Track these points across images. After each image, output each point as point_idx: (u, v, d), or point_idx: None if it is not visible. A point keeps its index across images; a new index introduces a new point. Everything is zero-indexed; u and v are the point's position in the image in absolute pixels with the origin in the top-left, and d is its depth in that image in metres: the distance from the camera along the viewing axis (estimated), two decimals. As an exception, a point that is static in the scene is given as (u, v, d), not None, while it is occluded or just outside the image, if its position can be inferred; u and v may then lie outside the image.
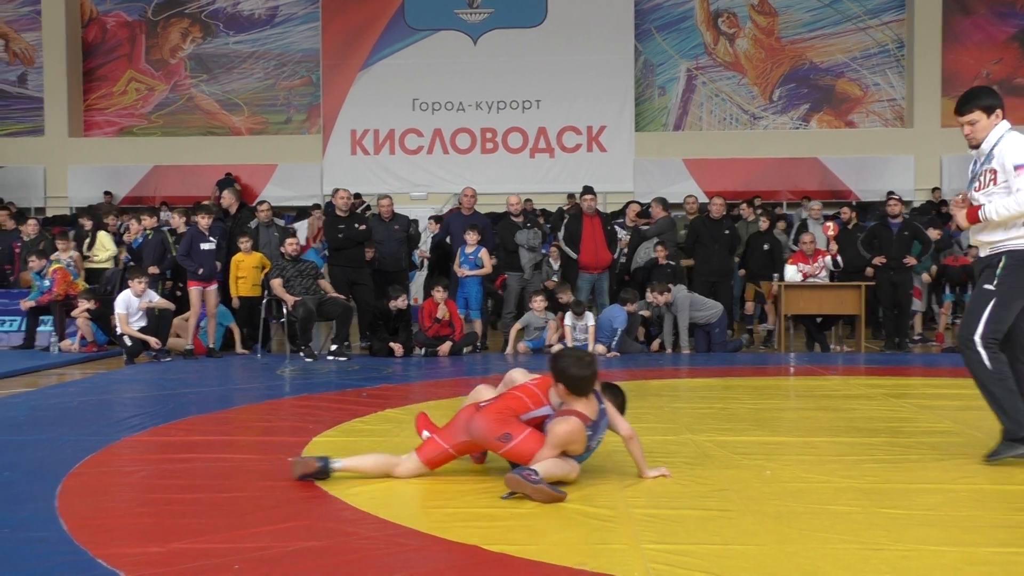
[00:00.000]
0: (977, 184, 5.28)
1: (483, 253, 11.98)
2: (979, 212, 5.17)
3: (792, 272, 11.93)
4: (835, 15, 21.77)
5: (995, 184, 5.16)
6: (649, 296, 11.67)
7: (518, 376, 5.13)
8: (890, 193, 17.57)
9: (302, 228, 14.14)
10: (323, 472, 4.78)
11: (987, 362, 5.14)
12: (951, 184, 20.61)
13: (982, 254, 5.33)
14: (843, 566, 3.55)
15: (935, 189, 19.99)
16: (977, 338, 5.15)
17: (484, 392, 5.19)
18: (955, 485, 4.76)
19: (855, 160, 21.21)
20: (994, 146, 5.18)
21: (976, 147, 5.28)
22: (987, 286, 5.20)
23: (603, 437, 4.86)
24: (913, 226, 12.31)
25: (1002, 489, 4.69)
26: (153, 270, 11.87)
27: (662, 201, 13.14)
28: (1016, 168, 5.04)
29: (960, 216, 5.32)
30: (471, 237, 11.97)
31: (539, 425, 4.77)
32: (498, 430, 4.70)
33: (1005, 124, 5.26)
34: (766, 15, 21.99)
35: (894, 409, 7.17)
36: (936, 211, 17.69)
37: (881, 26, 21.74)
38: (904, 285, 12.07)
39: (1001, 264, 5.16)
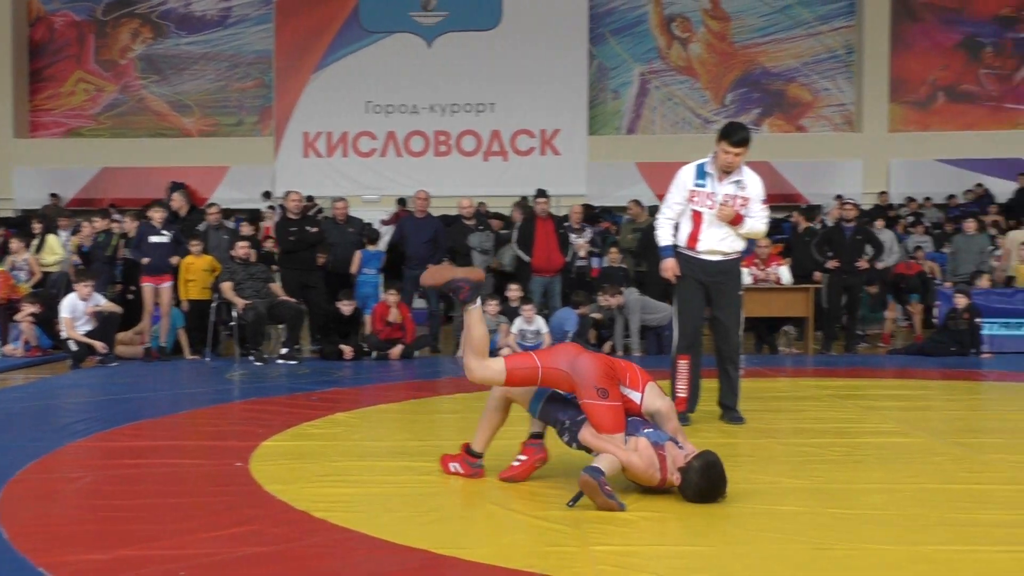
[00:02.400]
0: (724, 203, 6.33)
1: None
2: (743, 220, 6.36)
3: (744, 275, 12.01)
4: (787, 21, 22.00)
5: (745, 207, 6.36)
6: (600, 299, 11.71)
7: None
8: (838, 196, 17.82)
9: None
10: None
11: None
12: (898, 188, 20.90)
13: (713, 259, 6.43)
14: (792, 565, 3.58)
15: (882, 193, 20.25)
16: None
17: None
18: (899, 485, 4.82)
19: (805, 164, 21.41)
20: (742, 178, 6.36)
21: (728, 172, 6.32)
22: (740, 292, 6.65)
23: None
24: (866, 230, 12.45)
25: (945, 488, 4.75)
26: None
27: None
28: (763, 202, 6.46)
29: (729, 213, 6.30)
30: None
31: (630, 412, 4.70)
32: (601, 382, 4.57)
33: None
34: (719, 20, 22.17)
35: (841, 410, 7.26)
36: (885, 216, 17.90)
37: (831, 32, 22.01)
38: (856, 288, 12.20)
39: (737, 272, 6.58)
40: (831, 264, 12.06)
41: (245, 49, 22.27)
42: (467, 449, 5.03)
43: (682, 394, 6.49)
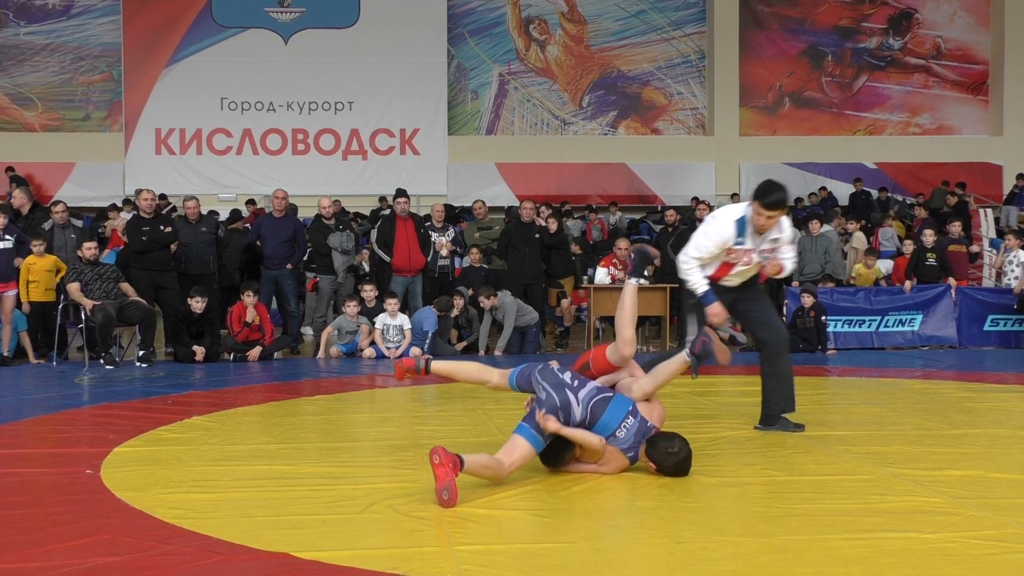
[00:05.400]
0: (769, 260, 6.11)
1: None
2: (783, 270, 6.24)
3: (602, 275, 12.23)
4: (641, 25, 22.51)
5: (776, 252, 6.11)
6: (481, 300, 11.68)
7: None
8: (695, 198, 18.35)
9: None
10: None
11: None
12: (749, 190, 21.53)
13: (735, 284, 6.21)
14: (650, 559, 3.67)
15: (734, 195, 20.91)
16: None
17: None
18: (752, 478, 4.99)
19: (661, 166, 21.98)
20: (780, 235, 6.06)
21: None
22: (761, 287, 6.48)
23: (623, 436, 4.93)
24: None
25: (794, 480, 4.94)
26: None
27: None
28: (790, 243, 6.25)
29: (777, 269, 6.14)
30: None
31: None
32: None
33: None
34: (576, 23, 22.51)
35: (697, 407, 7.46)
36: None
37: (684, 37, 22.61)
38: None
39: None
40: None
41: (91, 41, 21.47)
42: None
43: None
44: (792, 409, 6.33)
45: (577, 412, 4.85)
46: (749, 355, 11.88)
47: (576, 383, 4.95)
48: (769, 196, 5.80)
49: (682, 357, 5.32)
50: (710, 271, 6.08)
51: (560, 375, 4.97)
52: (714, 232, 6.01)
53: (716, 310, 6.00)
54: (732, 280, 6.15)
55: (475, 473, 4.58)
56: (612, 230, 18.75)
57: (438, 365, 5.41)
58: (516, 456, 4.72)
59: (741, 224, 5.93)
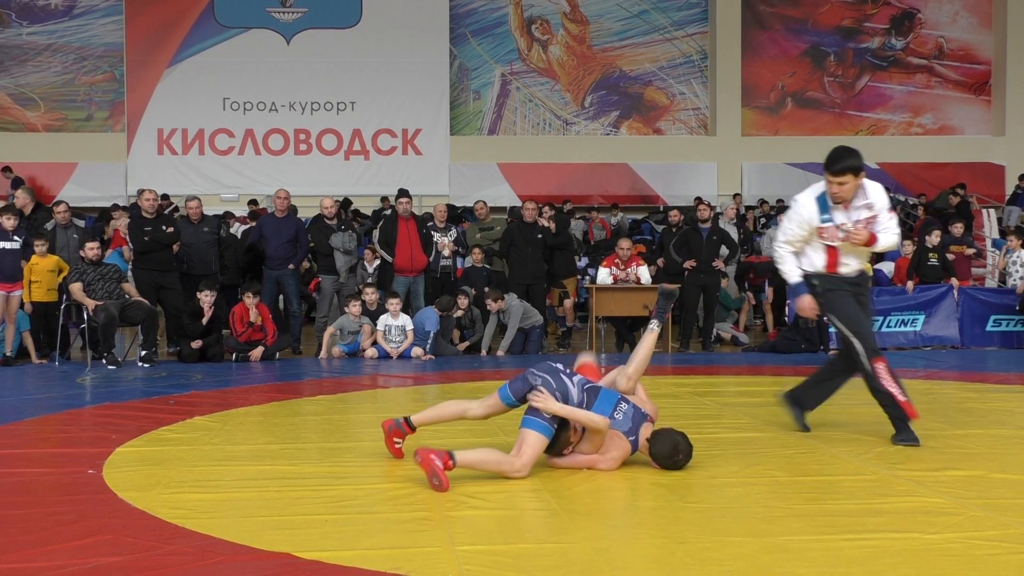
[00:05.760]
0: (856, 229, 5.78)
1: None
2: (876, 239, 5.80)
3: (604, 275, 12.23)
4: (643, 25, 22.52)
5: (873, 223, 5.78)
6: (488, 303, 11.68)
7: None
8: (697, 198, 18.33)
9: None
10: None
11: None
12: (751, 190, 21.62)
13: (853, 274, 5.94)
14: (651, 559, 3.66)
15: (736, 195, 20.92)
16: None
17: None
18: (753, 478, 4.99)
19: (663, 166, 21.98)
20: (870, 200, 5.77)
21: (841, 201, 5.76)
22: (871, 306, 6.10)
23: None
24: (721, 231, 12.83)
25: (796, 480, 4.94)
26: None
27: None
28: (889, 210, 5.87)
29: (864, 237, 5.74)
30: None
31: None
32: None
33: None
34: (578, 23, 22.51)
35: (698, 407, 7.45)
36: (740, 216, 18.47)
37: (686, 38, 22.62)
38: (712, 287, 12.53)
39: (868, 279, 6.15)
40: (689, 264, 12.36)
41: (94, 41, 21.49)
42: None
43: (904, 397, 5.85)
44: (809, 411, 6.34)
45: (575, 394, 4.98)
46: (751, 355, 11.90)
47: (569, 371, 5.13)
48: (835, 163, 5.64)
49: (649, 329, 5.84)
50: (820, 262, 5.92)
51: (554, 364, 5.13)
52: (795, 213, 5.91)
53: (805, 303, 5.98)
54: (847, 267, 5.92)
55: (472, 465, 4.71)
56: (615, 230, 18.77)
57: (419, 416, 5.39)
58: (526, 448, 4.84)
59: (822, 200, 5.79)
